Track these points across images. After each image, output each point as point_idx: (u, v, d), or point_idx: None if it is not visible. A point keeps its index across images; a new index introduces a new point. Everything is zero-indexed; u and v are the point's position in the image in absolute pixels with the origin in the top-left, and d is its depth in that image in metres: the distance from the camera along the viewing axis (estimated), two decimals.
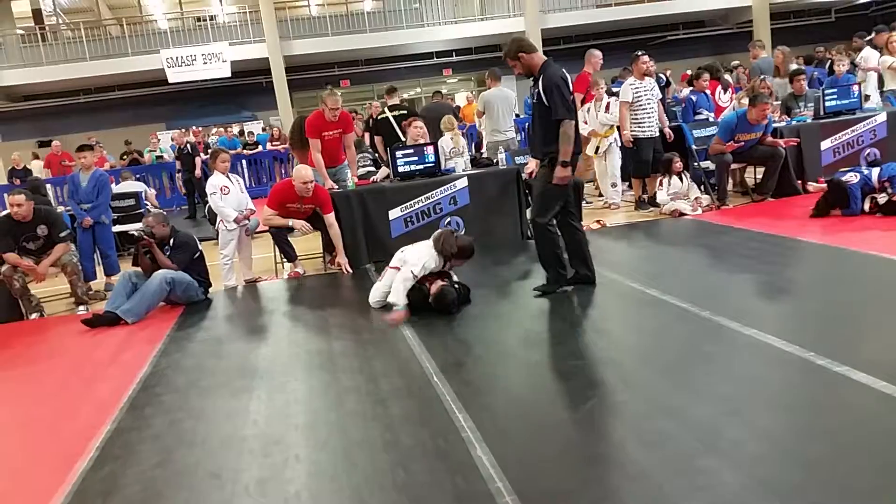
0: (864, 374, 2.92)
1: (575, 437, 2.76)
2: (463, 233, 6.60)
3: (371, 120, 10.14)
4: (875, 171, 6.01)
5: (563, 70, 4.67)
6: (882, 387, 2.79)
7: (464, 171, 6.94)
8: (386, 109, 8.38)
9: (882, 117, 7.47)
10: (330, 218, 6.24)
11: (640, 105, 7.34)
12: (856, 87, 7.80)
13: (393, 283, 4.69)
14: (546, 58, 4.78)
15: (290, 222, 6.17)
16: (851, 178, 6.01)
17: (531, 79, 4.74)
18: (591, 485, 2.40)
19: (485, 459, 2.60)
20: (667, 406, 2.90)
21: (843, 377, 2.94)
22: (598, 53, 8.35)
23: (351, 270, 6.27)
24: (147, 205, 9.36)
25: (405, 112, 8.32)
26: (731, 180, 7.62)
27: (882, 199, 5.85)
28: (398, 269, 4.77)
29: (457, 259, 4.78)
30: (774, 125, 7.40)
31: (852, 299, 4.06)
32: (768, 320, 3.79)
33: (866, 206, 5.93)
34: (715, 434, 2.60)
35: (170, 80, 18.00)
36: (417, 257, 4.73)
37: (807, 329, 3.63)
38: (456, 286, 4.72)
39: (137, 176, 12.33)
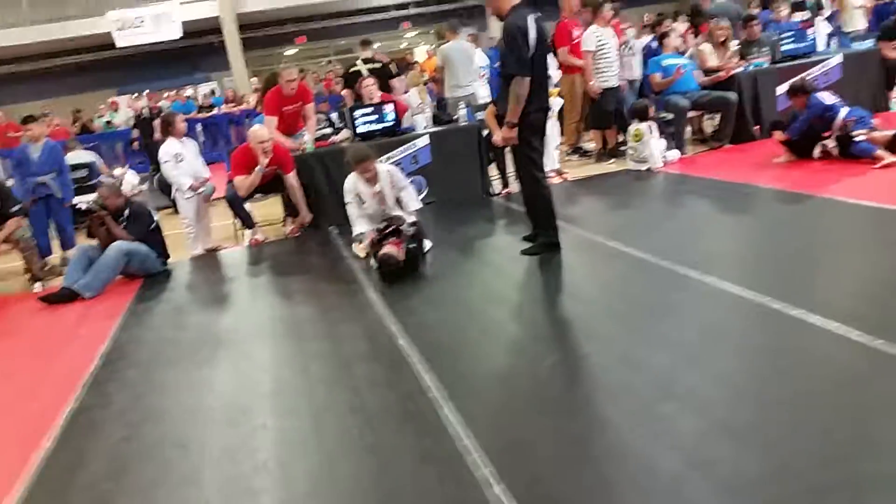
0: (818, 316, 2.99)
1: (540, 392, 2.80)
2: (426, 192, 6.58)
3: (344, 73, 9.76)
4: (845, 110, 5.81)
5: (535, 17, 4.16)
6: (835, 327, 2.87)
7: (425, 128, 6.85)
8: (359, 62, 8.09)
9: (837, 59, 7.53)
10: (291, 178, 6.14)
11: (603, 54, 7.27)
12: (811, 30, 7.84)
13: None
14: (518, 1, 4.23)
15: (258, 168, 5.95)
16: (827, 97, 5.97)
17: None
18: (554, 436, 2.44)
19: (452, 419, 2.63)
20: (628, 357, 2.95)
21: (799, 320, 3.01)
22: None
23: (310, 219, 6.29)
24: (101, 175, 9.06)
25: (379, 66, 8.06)
26: (689, 128, 7.65)
27: (831, 144, 5.79)
28: None
29: (356, 166, 4.83)
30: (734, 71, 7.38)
31: (808, 243, 4.14)
32: (726, 267, 3.85)
33: (816, 153, 5.91)
34: (673, 381, 2.66)
35: (117, 45, 17.33)
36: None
37: (763, 274, 3.70)
38: (411, 246, 4.64)
39: (91, 145, 11.92)
